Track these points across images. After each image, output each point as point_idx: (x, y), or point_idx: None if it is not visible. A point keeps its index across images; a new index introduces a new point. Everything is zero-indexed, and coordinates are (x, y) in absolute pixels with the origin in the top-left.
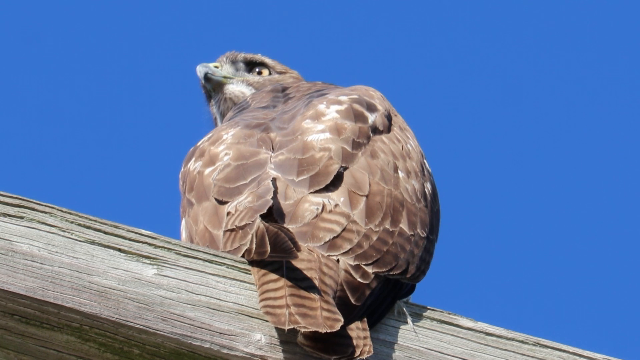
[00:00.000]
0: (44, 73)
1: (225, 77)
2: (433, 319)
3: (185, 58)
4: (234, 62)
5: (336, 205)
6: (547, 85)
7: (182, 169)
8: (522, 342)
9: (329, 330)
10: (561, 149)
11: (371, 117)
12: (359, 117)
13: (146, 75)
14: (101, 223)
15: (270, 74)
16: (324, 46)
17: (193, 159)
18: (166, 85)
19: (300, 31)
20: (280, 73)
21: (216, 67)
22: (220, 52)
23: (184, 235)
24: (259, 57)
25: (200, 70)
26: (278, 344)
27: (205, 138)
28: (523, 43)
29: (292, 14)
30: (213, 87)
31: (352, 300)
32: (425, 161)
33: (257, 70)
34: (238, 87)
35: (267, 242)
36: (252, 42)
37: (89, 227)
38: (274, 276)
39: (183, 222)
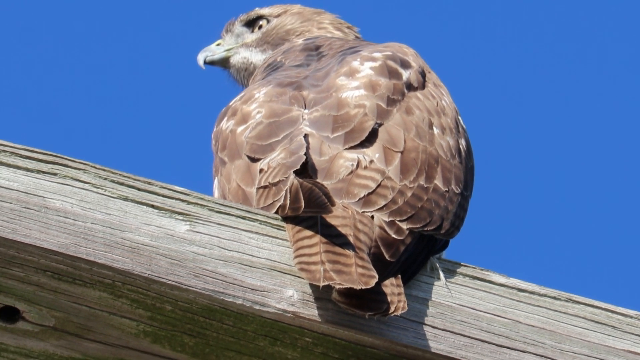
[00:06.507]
0: (82, 31)
1: (227, 51)
2: (465, 275)
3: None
4: (232, 31)
5: (371, 161)
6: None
7: (215, 129)
8: (554, 298)
9: (363, 287)
10: (587, 108)
11: (405, 74)
12: (393, 74)
13: (184, 32)
14: (134, 179)
15: (268, 22)
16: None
17: (225, 118)
18: (204, 43)
19: None
20: (278, 16)
21: (218, 44)
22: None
23: (216, 194)
24: (253, 12)
25: (199, 59)
26: (310, 300)
27: (238, 97)
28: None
29: None
30: (222, 66)
31: (387, 257)
32: (459, 117)
33: (258, 25)
34: (240, 56)
35: (302, 198)
36: None
37: (122, 184)
38: (308, 233)
39: (215, 182)
